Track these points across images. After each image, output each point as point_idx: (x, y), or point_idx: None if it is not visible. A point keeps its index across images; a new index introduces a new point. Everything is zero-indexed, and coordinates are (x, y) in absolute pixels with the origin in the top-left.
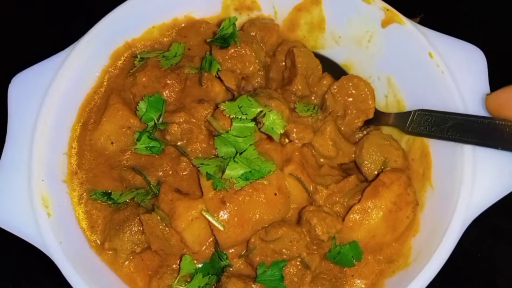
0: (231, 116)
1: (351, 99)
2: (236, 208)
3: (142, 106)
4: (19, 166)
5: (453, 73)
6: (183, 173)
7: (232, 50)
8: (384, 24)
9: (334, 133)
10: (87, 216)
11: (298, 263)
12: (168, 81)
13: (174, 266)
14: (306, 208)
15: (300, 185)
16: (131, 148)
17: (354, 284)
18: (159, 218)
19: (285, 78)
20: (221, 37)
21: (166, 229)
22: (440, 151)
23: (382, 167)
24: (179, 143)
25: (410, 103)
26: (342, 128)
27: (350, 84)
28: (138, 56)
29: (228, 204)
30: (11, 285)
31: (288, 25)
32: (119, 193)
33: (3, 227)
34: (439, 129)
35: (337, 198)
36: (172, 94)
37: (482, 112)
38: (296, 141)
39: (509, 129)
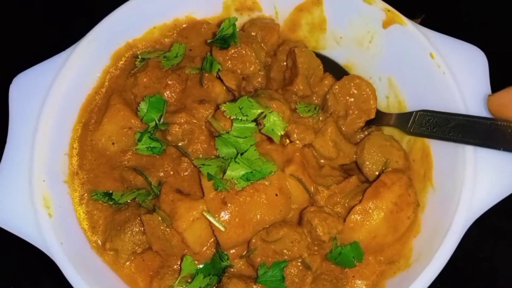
0: (232, 117)
1: (352, 99)
2: (237, 208)
3: (143, 106)
4: (20, 166)
5: (454, 74)
6: (184, 174)
7: (233, 51)
8: (385, 25)
9: (335, 134)
10: (88, 216)
11: (299, 263)
12: (169, 82)
13: (175, 266)
14: (307, 209)
15: (301, 186)
16: (132, 148)
17: (355, 285)
18: (160, 218)
19: (286, 78)
20: (221, 37)
21: (167, 229)
22: (441, 151)
23: (383, 168)
24: (180, 144)
25: (411, 104)
26: (344, 128)
27: (352, 84)
28: (139, 56)
29: (229, 205)
30: (11, 285)
31: (289, 25)
32: (120, 193)
33: (4, 227)
34: (441, 130)
35: (338, 199)
36: (173, 94)
37: (483, 113)
38: (297, 142)
39: (511, 130)
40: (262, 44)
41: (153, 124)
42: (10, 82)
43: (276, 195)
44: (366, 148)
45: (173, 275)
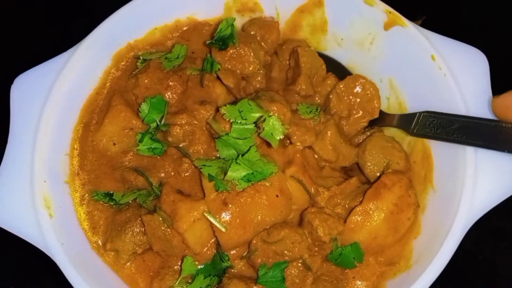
0: (231, 120)
1: (356, 98)
2: (238, 209)
3: (145, 107)
4: (21, 167)
5: (455, 76)
6: (185, 175)
7: (231, 51)
8: (387, 26)
9: (335, 138)
10: (89, 217)
11: (299, 264)
12: (170, 83)
13: (176, 267)
14: (307, 210)
15: (301, 187)
16: (133, 149)
17: (356, 286)
18: (161, 219)
19: (289, 78)
20: (220, 38)
21: (168, 230)
22: (442, 153)
23: (385, 169)
24: (181, 145)
25: (412, 106)
26: (346, 128)
27: (356, 83)
28: (141, 57)
29: (230, 206)
30: (11, 285)
31: (291, 26)
32: (121, 194)
33: (5, 227)
34: (445, 131)
35: (339, 200)
36: (174, 95)
37: (484, 115)
38: (298, 143)
39: None
40: (262, 43)
41: (154, 125)
42: (11, 82)
43: (277, 196)
44: (367, 149)
45: (173, 275)
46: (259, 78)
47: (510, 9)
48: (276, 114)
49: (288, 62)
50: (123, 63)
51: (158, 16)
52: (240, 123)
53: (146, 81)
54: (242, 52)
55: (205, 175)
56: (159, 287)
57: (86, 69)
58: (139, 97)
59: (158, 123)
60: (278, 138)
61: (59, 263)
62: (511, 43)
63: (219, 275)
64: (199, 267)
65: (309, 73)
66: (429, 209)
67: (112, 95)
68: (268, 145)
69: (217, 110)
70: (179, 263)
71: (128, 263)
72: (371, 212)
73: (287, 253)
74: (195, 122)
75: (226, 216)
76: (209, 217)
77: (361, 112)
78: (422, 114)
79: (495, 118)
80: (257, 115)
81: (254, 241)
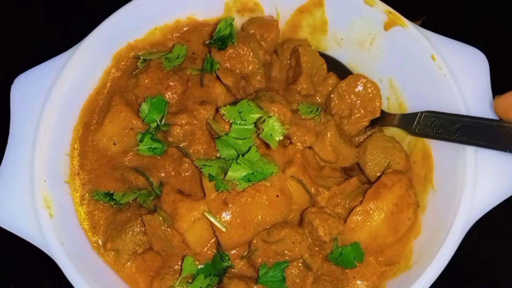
0: (230, 121)
1: (358, 98)
2: (238, 209)
3: (145, 107)
4: (21, 167)
5: (455, 76)
6: (185, 174)
7: (230, 51)
8: (387, 26)
9: (335, 139)
10: (89, 217)
11: (300, 264)
12: (171, 83)
13: (176, 267)
14: (308, 210)
15: (301, 187)
16: (133, 149)
17: (356, 286)
18: (161, 219)
19: (290, 77)
20: (219, 38)
21: (168, 230)
22: (442, 153)
23: (385, 169)
24: (181, 145)
25: (412, 106)
26: (347, 127)
27: (358, 83)
28: (141, 57)
29: (230, 205)
30: (11, 285)
31: (291, 27)
32: (121, 194)
33: (5, 227)
34: (446, 131)
35: (339, 200)
36: (174, 95)
37: (484, 115)
38: (298, 144)
39: None
40: (261, 42)
41: (154, 125)
42: (11, 82)
43: (277, 196)
44: (368, 149)
45: (174, 275)
46: (258, 77)
47: (510, 9)
48: (277, 115)
49: (289, 62)
50: (123, 63)
51: (158, 16)
52: (240, 123)
53: (146, 81)
54: (241, 51)
55: (206, 175)
56: (159, 287)
57: (86, 69)
58: (139, 97)
59: (158, 123)
60: (277, 139)
61: (59, 263)
62: (511, 43)
63: (220, 275)
64: (199, 267)
65: (310, 73)
66: (429, 209)
67: (112, 95)
68: (268, 145)
69: (217, 110)
70: (180, 263)
71: (128, 263)
72: (371, 212)
73: (288, 253)
74: (195, 122)
75: (226, 216)
76: (209, 217)
77: (362, 111)
78: (424, 113)
79: (496, 118)
80: (257, 116)
81: (255, 241)
